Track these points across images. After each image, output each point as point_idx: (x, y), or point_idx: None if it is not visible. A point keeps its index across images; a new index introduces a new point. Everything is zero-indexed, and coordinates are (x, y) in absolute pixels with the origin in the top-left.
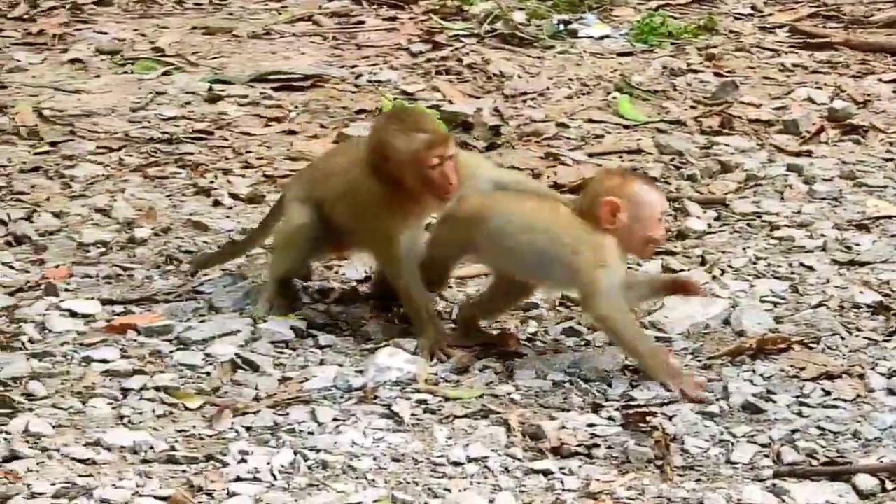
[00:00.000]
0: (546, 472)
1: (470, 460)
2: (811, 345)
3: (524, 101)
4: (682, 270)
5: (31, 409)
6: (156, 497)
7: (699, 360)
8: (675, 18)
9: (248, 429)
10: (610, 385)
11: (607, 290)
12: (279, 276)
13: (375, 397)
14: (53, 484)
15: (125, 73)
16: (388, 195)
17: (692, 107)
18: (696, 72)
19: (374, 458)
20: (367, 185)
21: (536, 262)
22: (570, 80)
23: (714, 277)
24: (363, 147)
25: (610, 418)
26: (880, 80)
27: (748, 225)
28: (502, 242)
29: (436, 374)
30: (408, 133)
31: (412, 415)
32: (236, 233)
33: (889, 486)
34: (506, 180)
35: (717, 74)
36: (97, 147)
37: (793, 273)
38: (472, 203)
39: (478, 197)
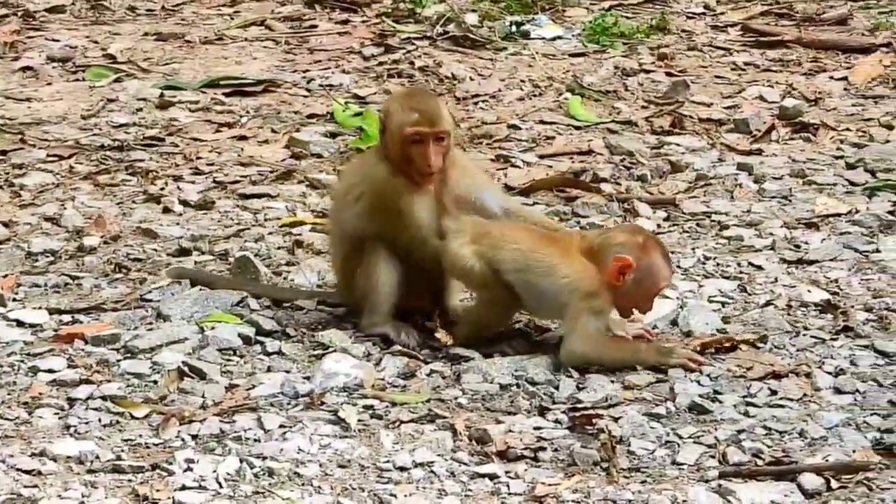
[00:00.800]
0: (492, 476)
1: (416, 465)
2: (758, 344)
3: (476, 104)
4: None
5: None
6: None
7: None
8: (628, 18)
9: (195, 437)
10: (557, 388)
11: (590, 333)
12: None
13: (322, 403)
14: None
15: (77, 80)
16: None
17: (643, 107)
18: (647, 71)
19: (320, 465)
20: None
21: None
22: (522, 81)
23: None
24: None
25: (556, 421)
26: (832, 77)
27: (697, 225)
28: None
29: (383, 380)
30: (402, 107)
31: (359, 420)
32: (186, 239)
33: (834, 484)
34: (513, 209)
35: (668, 74)
36: (48, 155)
37: (741, 272)
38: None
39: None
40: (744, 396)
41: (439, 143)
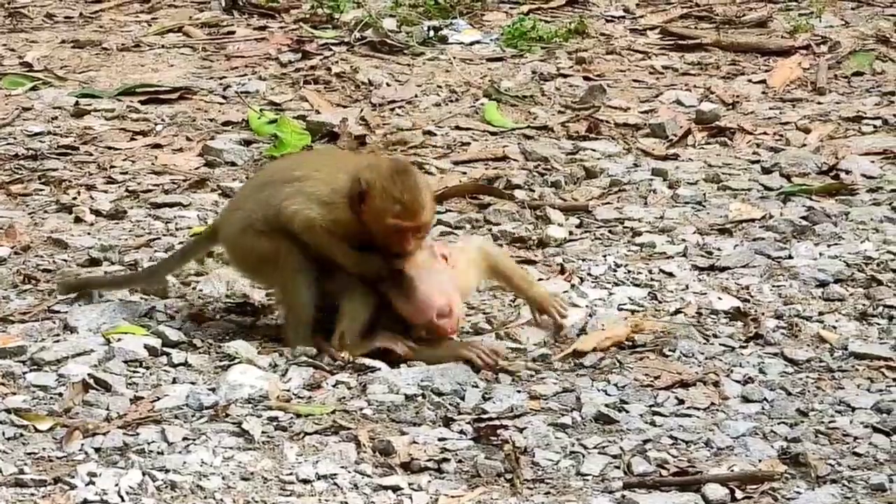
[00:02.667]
0: (395, 488)
1: (319, 477)
2: (667, 352)
3: (392, 110)
4: (541, 279)
5: None
6: None
7: (554, 371)
8: (547, 22)
9: (98, 450)
10: (463, 398)
11: None
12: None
13: (227, 415)
14: None
15: None
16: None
17: (560, 112)
18: (565, 76)
19: (223, 478)
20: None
21: None
22: (439, 87)
23: (573, 286)
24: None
25: (461, 432)
26: (750, 80)
27: (610, 232)
28: None
29: (288, 391)
30: (387, 193)
31: (263, 432)
32: (96, 249)
33: (739, 494)
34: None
35: (586, 78)
36: None
37: (652, 280)
38: None
39: None
40: (651, 406)
41: (418, 232)
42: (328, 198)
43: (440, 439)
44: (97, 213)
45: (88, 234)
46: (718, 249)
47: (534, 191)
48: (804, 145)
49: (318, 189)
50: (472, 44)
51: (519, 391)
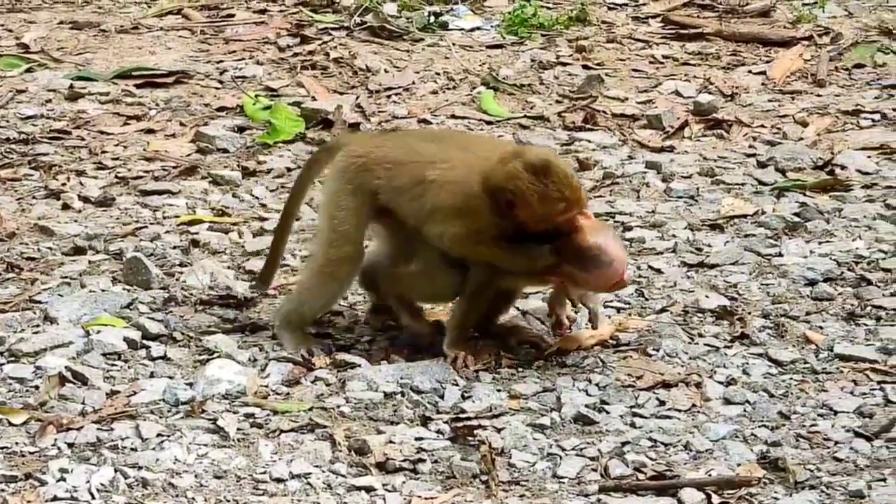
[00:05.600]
0: (369, 489)
1: (293, 476)
2: (651, 352)
3: (388, 97)
4: None
5: None
6: None
7: (534, 369)
8: (549, 9)
9: (71, 445)
10: (442, 396)
11: None
12: None
13: (203, 411)
14: None
15: None
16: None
17: (557, 101)
18: (564, 64)
19: (196, 475)
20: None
21: None
22: (437, 74)
23: None
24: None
25: (439, 431)
26: (750, 71)
27: None
28: None
29: (266, 387)
30: (547, 192)
31: (238, 429)
32: (81, 237)
33: (715, 500)
34: None
35: (585, 67)
36: None
37: (640, 276)
38: None
39: None
40: (631, 406)
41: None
42: (466, 206)
43: (417, 439)
44: (85, 199)
45: (76, 221)
46: (709, 246)
47: None
48: (801, 139)
49: (453, 201)
50: (472, 30)
51: (499, 390)
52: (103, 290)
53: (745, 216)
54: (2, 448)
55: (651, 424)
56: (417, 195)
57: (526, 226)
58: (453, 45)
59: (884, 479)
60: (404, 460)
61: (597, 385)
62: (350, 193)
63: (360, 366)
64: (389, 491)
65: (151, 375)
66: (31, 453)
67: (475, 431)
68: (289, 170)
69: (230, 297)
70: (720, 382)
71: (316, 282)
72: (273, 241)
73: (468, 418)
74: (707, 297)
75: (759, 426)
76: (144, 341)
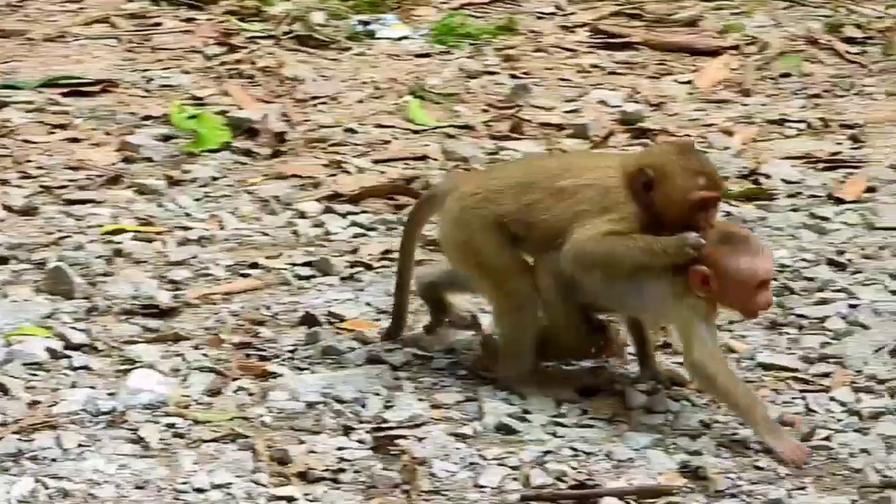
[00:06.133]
0: (289, 499)
1: (214, 486)
2: (574, 361)
3: (315, 106)
4: None
5: None
6: None
7: (456, 378)
8: (477, 18)
9: None
10: (364, 406)
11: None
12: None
13: (124, 421)
14: None
15: None
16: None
17: (484, 110)
18: (492, 73)
19: (117, 486)
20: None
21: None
22: (364, 83)
23: None
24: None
25: (360, 441)
26: (676, 80)
27: None
28: None
29: (188, 396)
30: (685, 168)
31: (160, 439)
32: (4, 247)
33: None
34: None
35: (513, 76)
36: None
37: None
38: None
39: None
40: (553, 416)
41: (718, 203)
42: (608, 202)
43: (338, 448)
44: (9, 208)
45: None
46: None
47: None
48: (727, 148)
49: (594, 200)
50: (400, 39)
51: (421, 399)
52: (25, 300)
53: None
54: None
55: (573, 434)
56: (550, 207)
57: (664, 214)
58: (381, 54)
59: (804, 488)
60: (325, 470)
61: (519, 394)
62: (481, 230)
63: (282, 375)
64: (310, 501)
65: (73, 385)
66: None
67: (397, 441)
68: (214, 179)
69: (153, 307)
70: (642, 391)
71: (512, 327)
72: (398, 290)
73: (390, 428)
74: None
75: (681, 435)
76: (66, 351)
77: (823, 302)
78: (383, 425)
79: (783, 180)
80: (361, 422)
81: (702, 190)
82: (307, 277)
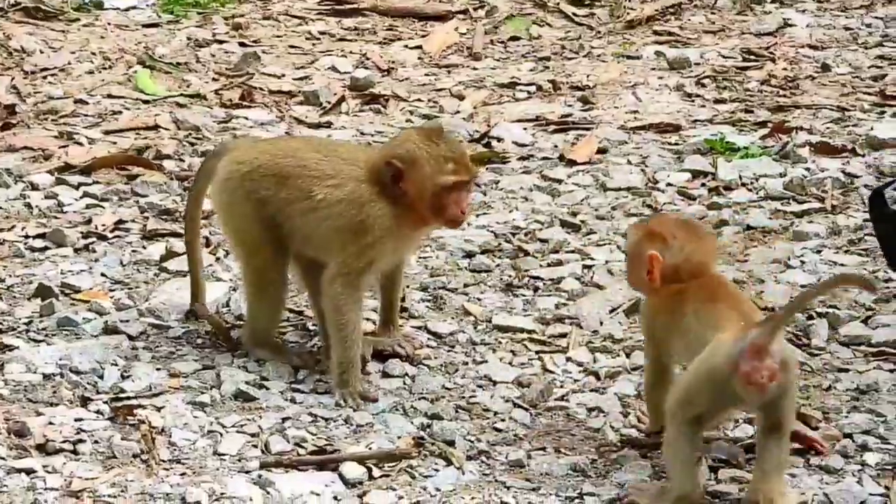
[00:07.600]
0: (29, 471)
1: None
2: (310, 327)
3: (44, 78)
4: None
5: None
6: None
7: (193, 347)
8: None
9: None
10: (101, 377)
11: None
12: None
13: None
14: None
15: None
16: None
17: (214, 79)
18: (221, 42)
19: None
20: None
21: None
22: (93, 54)
23: (218, 259)
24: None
25: (99, 412)
26: (406, 46)
27: None
28: None
29: None
30: (432, 156)
31: None
32: None
33: (376, 473)
34: None
35: (242, 45)
36: None
37: None
38: None
39: None
40: (290, 383)
41: (471, 188)
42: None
43: (77, 420)
44: None
45: None
46: None
47: (184, 161)
48: (458, 112)
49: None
50: (128, 9)
51: (159, 369)
52: None
53: None
54: None
55: (311, 400)
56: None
57: (416, 203)
58: (109, 24)
59: (543, 448)
60: (64, 441)
61: (256, 362)
62: (241, 201)
63: (17, 348)
64: (50, 472)
65: None
66: None
67: (135, 411)
68: None
69: None
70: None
71: (257, 295)
72: (188, 255)
73: (128, 398)
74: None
75: (419, 399)
76: None
77: (558, 263)
78: (121, 395)
79: (515, 143)
80: (99, 392)
81: (451, 175)
82: (41, 249)
